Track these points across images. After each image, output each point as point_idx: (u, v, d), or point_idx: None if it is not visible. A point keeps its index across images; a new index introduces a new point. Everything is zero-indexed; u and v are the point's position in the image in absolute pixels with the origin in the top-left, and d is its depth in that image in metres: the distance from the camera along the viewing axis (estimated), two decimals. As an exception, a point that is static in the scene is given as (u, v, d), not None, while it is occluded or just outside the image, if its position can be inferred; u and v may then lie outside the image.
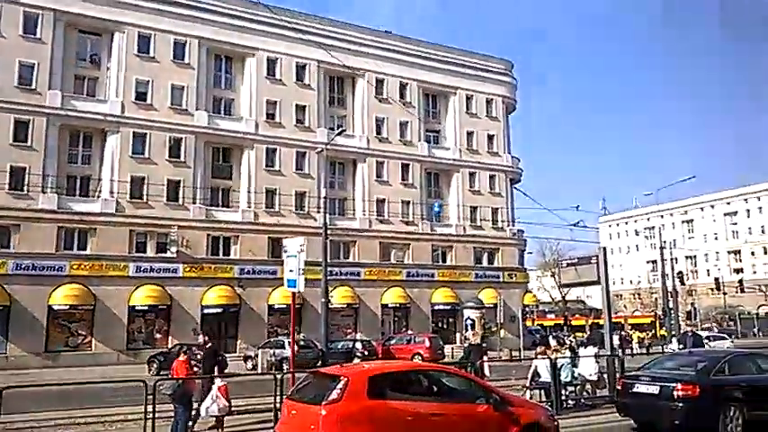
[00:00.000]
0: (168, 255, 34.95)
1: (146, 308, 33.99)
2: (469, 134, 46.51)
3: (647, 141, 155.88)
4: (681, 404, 10.58)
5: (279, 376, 10.92)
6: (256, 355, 29.13)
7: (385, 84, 43.53)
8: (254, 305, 36.73)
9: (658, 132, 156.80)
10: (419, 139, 44.60)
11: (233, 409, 10.75)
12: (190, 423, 10.28)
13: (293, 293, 11.84)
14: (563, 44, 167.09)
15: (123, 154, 34.88)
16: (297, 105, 40.35)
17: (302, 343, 29.84)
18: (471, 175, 45.91)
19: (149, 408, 9.53)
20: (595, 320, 53.28)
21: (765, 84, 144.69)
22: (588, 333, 41.60)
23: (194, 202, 36.29)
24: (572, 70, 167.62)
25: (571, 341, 16.66)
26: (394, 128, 43.60)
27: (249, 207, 37.97)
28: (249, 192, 38.05)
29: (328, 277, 27.38)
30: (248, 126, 38.85)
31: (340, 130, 34.56)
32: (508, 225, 46.70)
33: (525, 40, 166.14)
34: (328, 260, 27.32)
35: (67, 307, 32.10)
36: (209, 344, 11.52)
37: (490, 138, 47.28)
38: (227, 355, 28.29)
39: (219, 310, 35.65)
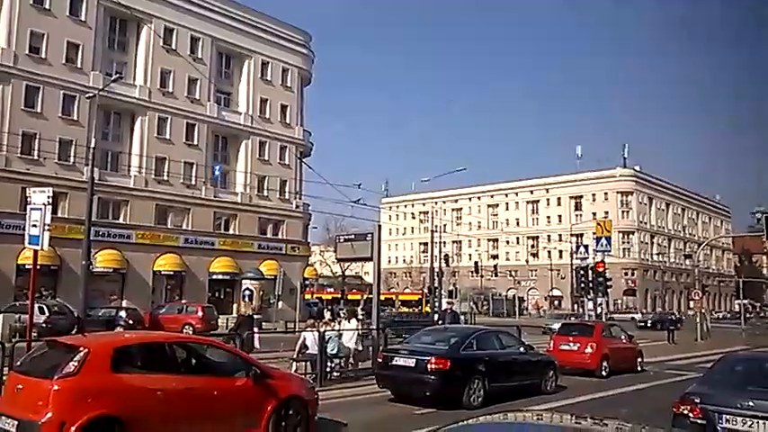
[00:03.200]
0: None
1: None
2: (263, 101, 45.32)
3: (434, 132, 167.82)
4: (433, 376, 11.33)
5: (8, 345, 9.41)
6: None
7: (175, 34, 40.18)
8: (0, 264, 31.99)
9: (445, 125, 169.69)
10: (208, 99, 42.26)
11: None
12: None
13: (35, 251, 10.27)
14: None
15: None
16: (68, 42, 35.60)
17: (56, 309, 26.88)
18: (262, 144, 44.89)
19: None
20: (370, 295, 56.05)
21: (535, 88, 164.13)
22: (362, 306, 43.58)
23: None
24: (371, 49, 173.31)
25: (348, 312, 17.01)
26: (181, 83, 40.70)
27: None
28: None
29: (94, 238, 24.79)
30: (5, 58, 33.42)
31: (117, 76, 31.29)
32: (295, 198, 46.71)
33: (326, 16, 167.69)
34: (95, 219, 24.74)
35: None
36: None
37: (283, 108, 46.59)
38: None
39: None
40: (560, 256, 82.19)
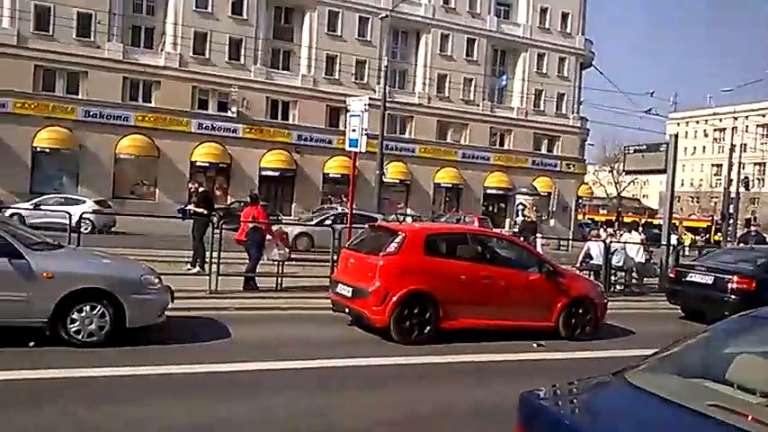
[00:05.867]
0: (229, 114, 35.38)
1: (206, 164, 34.96)
2: (543, 10, 43.59)
3: (734, 35, 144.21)
4: (734, 296, 10.55)
5: (338, 227, 11.33)
6: (310, 219, 30.00)
7: (458, -53, 40.56)
8: (310, 172, 37.37)
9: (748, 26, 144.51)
10: (489, 12, 42.20)
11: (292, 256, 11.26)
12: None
13: (354, 153, 11.91)
14: None
15: (187, 7, 34.44)
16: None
17: (354, 212, 30.60)
18: (540, 56, 43.71)
19: (214, 254, 10.11)
20: (649, 219, 52.40)
21: None
22: (641, 230, 41.06)
23: (255, 63, 36.09)
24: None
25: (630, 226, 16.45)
26: (464, -3, 41.23)
27: (309, 73, 37.56)
28: (310, 57, 37.46)
29: (384, 151, 27.35)
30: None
31: (407, -6, 32.95)
32: (572, 113, 45.05)
33: None
34: (385, 134, 27.20)
35: (133, 157, 33.39)
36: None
37: (564, 16, 44.34)
38: (282, 217, 29.47)
39: (276, 174, 36.46)
40: None
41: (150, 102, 34.25)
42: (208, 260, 10.50)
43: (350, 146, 11.73)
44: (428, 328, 7.86)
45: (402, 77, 41.08)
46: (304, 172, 37.29)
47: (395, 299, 7.75)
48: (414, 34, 41.13)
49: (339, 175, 36.72)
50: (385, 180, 35.30)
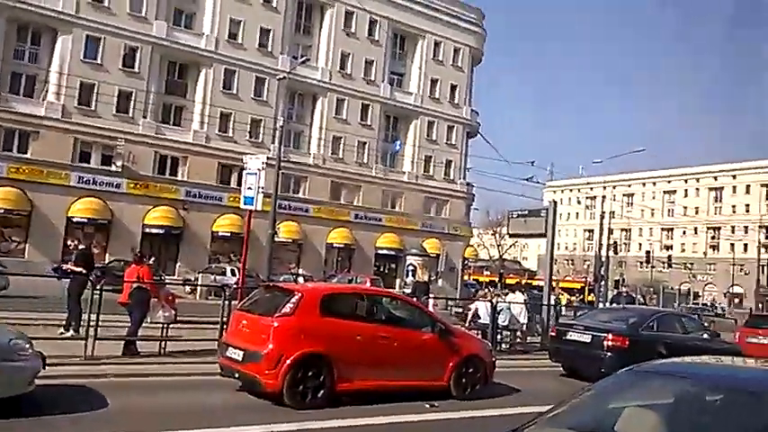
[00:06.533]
0: (113, 168, 33.83)
1: (85, 220, 32.96)
2: (434, 82, 46.13)
3: (606, 110, 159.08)
4: (609, 354, 11.21)
5: (227, 290, 10.98)
6: (196, 279, 28.93)
7: (354, 17, 42.26)
8: (198, 230, 36.24)
9: (618, 102, 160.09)
10: (383, 79, 43.99)
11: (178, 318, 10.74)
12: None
13: (249, 211, 11.74)
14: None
15: (74, 56, 33.10)
16: (261, 28, 38.91)
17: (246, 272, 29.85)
18: (430, 123, 45.87)
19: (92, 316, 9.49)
20: (529, 281, 55.13)
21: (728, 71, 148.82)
22: (522, 289, 42.92)
23: (145, 117, 35.05)
24: (541, 33, 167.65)
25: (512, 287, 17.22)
26: (359, 65, 42.78)
27: (202, 129, 36.96)
28: (203, 113, 36.96)
29: (277, 210, 27.18)
30: (208, 43, 37.36)
31: (303, 58, 33.78)
32: (460, 178, 47.21)
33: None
34: (279, 193, 27.11)
35: (2, 210, 30.88)
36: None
37: (453, 88, 47.07)
38: (166, 278, 28.17)
39: (161, 231, 35.01)
40: (745, 250, 74.56)
41: (26, 153, 32.10)
42: (84, 323, 9.77)
43: (245, 203, 11.58)
44: (323, 391, 7.70)
45: (297, 138, 41.44)
46: (192, 230, 36.09)
47: (289, 362, 7.55)
48: (310, 97, 41.86)
49: (229, 234, 35.94)
50: (277, 239, 34.92)
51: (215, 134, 37.22)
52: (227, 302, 10.67)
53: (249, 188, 11.20)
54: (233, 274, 28.42)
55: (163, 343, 10.30)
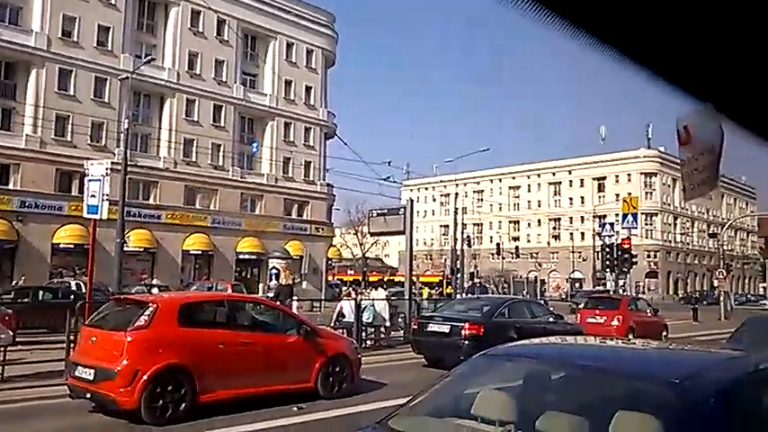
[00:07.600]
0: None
1: None
2: (288, 83, 45.74)
3: (450, 112, 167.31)
4: (467, 341, 11.83)
5: (76, 306, 10.14)
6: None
7: (201, 16, 40.69)
8: (36, 242, 33.08)
9: (466, 104, 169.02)
10: (235, 80, 42.87)
11: (17, 340, 9.75)
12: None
13: (94, 221, 10.91)
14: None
15: None
16: (99, 25, 36.26)
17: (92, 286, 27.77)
18: (287, 125, 45.45)
19: None
20: (391, 277, 56.68)
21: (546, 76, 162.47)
22: (384, 286, 44.04)
23: (-35, 121, 31.43)
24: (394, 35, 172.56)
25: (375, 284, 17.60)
26: (208, 65, 41.30)
27: (35, 133, 33.74)
28: (36, 116, 33.75)
29: (126, 218, 25.61)
30: (39, 41, 34.17)
31: (148, 58, 31.96)
32: (319, 179, 47.30)
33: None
34: (127, 199, 25.56)
35: None
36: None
37: (308, 89, 47.00)
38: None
39: (-8, 246, 31.58)
40: (582, 238, 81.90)
41: None
42: None
43: (89, 212, 10.73)
44: (184, 404, 7.37)
45: (145, 141, 39.21)
46: (29, 243, 32.88)
47: (146, 377, 7.15)
48: (157, 98, 39.76)
49: (72, 246, 33.22)
50: (127, 249, 32.87)
51: (51, 138, 34.17)
52: (73, 319, 9.86)
53: (92, 196, 10.40)
54: (78, 288, 26.26)
55: (2, 367, 9.31)
